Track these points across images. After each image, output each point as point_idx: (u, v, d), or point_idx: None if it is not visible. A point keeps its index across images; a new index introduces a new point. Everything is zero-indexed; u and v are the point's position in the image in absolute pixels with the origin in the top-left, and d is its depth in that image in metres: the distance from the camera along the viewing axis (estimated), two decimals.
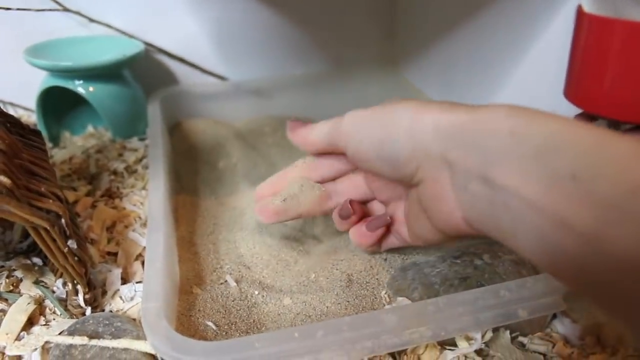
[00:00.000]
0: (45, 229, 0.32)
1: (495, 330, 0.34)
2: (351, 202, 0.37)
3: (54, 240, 0.33)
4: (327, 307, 0.36)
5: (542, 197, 0.22)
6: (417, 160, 0.28)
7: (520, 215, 0.23)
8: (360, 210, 0.37)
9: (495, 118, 0.25)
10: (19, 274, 0.40)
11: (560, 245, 0.21)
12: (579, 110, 0.35)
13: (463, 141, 0.26)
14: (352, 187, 0.38)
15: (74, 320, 0.35)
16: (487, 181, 0.24)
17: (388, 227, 0.37)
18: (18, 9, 0.59)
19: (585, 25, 0.33)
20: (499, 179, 0.24)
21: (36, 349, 0.33)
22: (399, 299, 0.36)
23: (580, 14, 0.34)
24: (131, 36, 0.64)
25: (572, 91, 0.35)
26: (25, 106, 0.67)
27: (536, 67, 0.44)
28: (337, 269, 0.39)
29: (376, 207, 0.39)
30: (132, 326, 0.34)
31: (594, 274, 0.20)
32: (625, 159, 0.20)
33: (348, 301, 0.36)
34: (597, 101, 0.32)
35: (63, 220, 0.33)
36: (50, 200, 0.33)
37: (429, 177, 0.28)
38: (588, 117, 0.35)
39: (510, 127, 0.24)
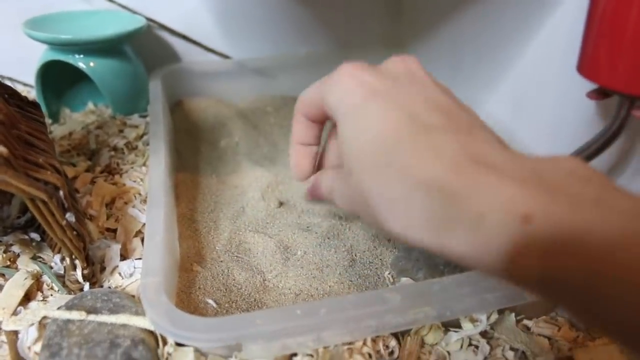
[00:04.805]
0: (43, 201, 0.31)
1: (501, 312, 0.34)
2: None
3: (52, 213, 0.32)
4: (329, 286, 0.35)
5: None
6: None
7: None
8: None
9: None
10: (16, 249, 0.40)
11: None
12: (592, 86, 0.34)
13: None
14: None
15: (72, 296, 0.34)
16: None
17: None
18: None
19: None
20: None
21: (33, 324, 0.33)
22: (403, 279, 0.35)
23: None
24: (133, 11, 0.63)
25: (586, 66, 0.34)
26: (24, 82, 0.66)
27: (547, 44, 0.43)
28: (340, 249, 0.38)
29: None
30: (131, 302, 0.33)
31: None
32: None
33: (351, 281, 0.35)
34: (612, 75, 0.31)
35: (61, 193, 0.32)
36: (49, 172, 0.32)
37: None
38: (602, 92, 0.34)
39: None
